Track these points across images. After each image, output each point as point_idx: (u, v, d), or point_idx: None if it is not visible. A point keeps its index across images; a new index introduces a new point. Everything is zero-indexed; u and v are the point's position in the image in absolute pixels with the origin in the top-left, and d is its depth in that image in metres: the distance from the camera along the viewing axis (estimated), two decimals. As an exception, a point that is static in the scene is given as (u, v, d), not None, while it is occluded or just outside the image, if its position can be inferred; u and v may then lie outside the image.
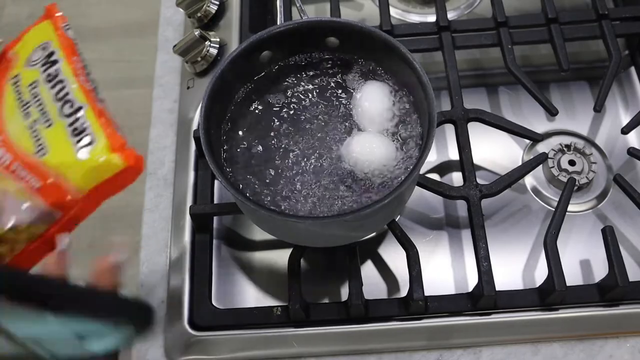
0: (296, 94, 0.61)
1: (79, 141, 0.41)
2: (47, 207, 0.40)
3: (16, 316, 0.33)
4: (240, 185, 0.57)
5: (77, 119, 0.42)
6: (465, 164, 0.67)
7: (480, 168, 0.71)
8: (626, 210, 0.68)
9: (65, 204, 0.41)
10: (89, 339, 0.36)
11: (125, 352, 0.42)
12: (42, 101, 0.44)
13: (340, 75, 0.61)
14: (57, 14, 0.49)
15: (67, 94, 0.43)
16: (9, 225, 0.40)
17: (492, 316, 0.62)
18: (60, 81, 0.44)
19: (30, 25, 0.50)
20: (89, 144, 0.41)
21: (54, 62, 0.45)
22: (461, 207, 0.69)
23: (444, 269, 0.66)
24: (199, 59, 0.75)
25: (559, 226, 0.62)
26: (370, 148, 0.55)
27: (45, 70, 0.45)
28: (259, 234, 0.70)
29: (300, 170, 0.57)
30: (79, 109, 0.42)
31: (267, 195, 0.56)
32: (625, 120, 0.74)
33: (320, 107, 0.60)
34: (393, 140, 0.58)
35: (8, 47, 0.50)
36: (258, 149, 0.59)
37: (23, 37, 0.49)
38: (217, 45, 0.77)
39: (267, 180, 0.57)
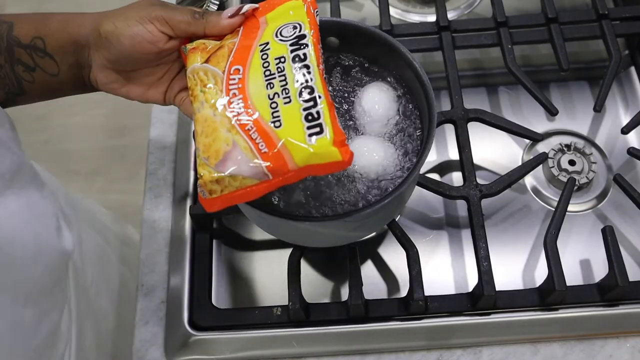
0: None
1: (310, 127, 0.45)
2: (265, 169, 0.45)
3: None
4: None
5: (314, 106, 0.46)
6: (465, 163, 0.67)
7: (480, 168, 0.71)
8: (626, 210, 0.68)
9: (280, 172, 0.45)
10: None
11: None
12: (287, 78, 0.47)
13: (340, 76, 0.61)
14: None
15: (309, 79, 0.47)
16: (229, 172, 0.45)
17: (492, 316, 0.62)
18: (306, 66, 0.47)
19: None
20: (318, 133, 0.45)
21: (304, 46, 0.49)
22: (461, 207, 0.69)
23: (444, 269, 0.66)
24: (199, 59, 0.75)
25: (559, 226, 0.62)
26: (368, 153, 0.55)
27: (294, 51, 0.48)
28: (259, 234, 0.70)
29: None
30: (318, 97, 0.46)
31: (267, 195, 0.56)
32: (625, 120, 0.74)
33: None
34: (393, 141, 0.58)
35: (260, 11, 0.53)
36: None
37: (276, 8, 0.52)
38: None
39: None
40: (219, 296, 0.66)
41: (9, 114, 0.52)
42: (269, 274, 0.67)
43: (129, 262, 0.82)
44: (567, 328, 0.62)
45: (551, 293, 0.60)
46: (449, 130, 0.73)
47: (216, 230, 0.69)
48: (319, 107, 0.45)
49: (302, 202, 0.55)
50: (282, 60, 0.48)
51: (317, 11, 0.52)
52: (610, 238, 0.61)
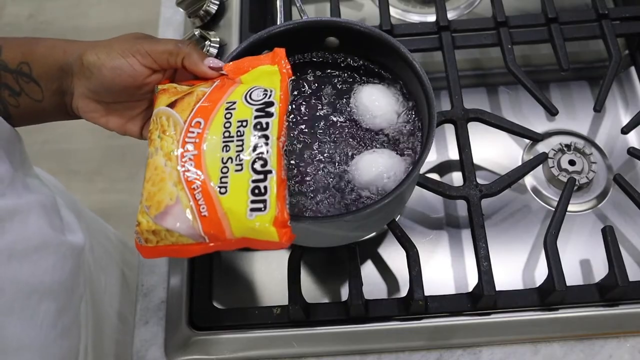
0: (295, 94, 0.61)
1: (253, 202, 0.44)
2: (202, 232, 0.44)
3: None
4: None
5: (262, 180, 0.44)
6: (465, 163, 0.67)
7: (480, 168, 0.71)
8: (626, 210, 0.68)
9: (216, 238, 0.45)
10: None
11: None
12: (243, 145, 0.46)
13: (339, 76, 0.61)
14: (286, 65, 0.51)
15: (265, 152, 0.45)
16: (167, 226, 0.45)
17: (492, 316, 0.62)
18: (265, 137, 0.46)
19: (262, 58, 0.52)
20: (261, 209, 0.43)
21: (269, 115, 0.47)
22: (461, 207, 0.69)
23: (444, 269, 0.66)
24: (199, 59, 0.75)
25: (559, 226, 0.62)
26: (375, 169, 0.55)
27: (257, 117, 0.47)
28: (259, 234, 0.70)
29: (298, 171, 0.57)
30: (269, 172, 0.45)
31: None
32: (625, 120, 0.74)
33: (319, 107, 0.60)
34: (392, 141, 0.58)
35: (237, 72, 0.52)
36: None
37: (254, 69, 0.52)
38: (217, 45, 0.77)
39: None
40: (219, 296, 0.66)
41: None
42: (269, 274, 0.67)
43: (130, 265, 0.82)
44: (567, 328, 0.62)
45: (551, 293, 0.60)
46: (449, 130, 0.73)
47: (216, 230, 0.69)
48: (267, 183, 0.44)
49: (301, 202, 0.55)
50: (244, 124, 0.47)
51: (291, 80, 0.51)
52: (610, 238, 0.61)
